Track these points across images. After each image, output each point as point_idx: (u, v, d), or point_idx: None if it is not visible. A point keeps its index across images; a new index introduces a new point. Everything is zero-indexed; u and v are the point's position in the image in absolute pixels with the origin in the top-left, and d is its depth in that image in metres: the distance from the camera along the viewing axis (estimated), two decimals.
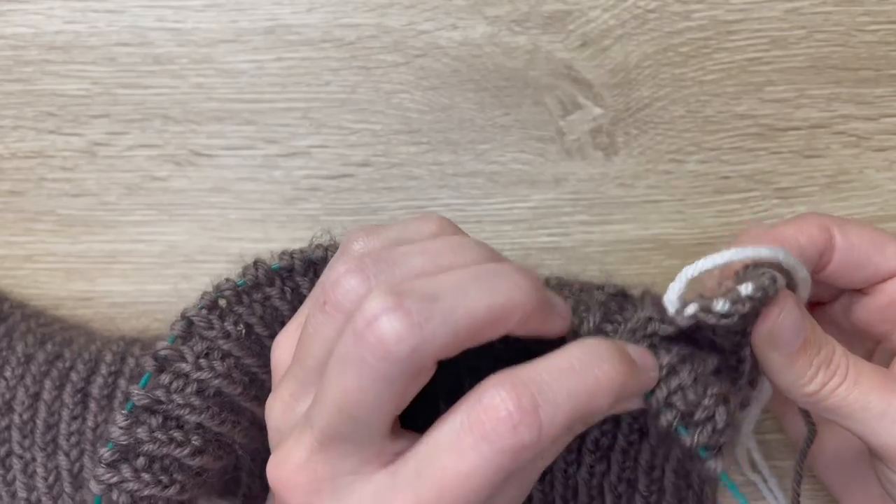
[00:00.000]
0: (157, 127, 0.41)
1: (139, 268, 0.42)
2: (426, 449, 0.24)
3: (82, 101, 0.41)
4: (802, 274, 0.30)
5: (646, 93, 0.41)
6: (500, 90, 0.41)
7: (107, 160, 0.42)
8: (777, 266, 0.29)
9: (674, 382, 0.26)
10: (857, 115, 0.41)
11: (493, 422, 0.23)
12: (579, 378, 0.24)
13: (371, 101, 0.41)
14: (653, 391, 0.26)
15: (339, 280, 0.26)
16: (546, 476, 0.34)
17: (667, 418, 0.25)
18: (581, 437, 0.32)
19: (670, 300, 0.28)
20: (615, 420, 0.31)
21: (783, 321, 0.29)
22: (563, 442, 0.26)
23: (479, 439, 0.23)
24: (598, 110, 0.41)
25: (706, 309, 0.27)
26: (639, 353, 0.27)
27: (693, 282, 0.28)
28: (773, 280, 0.28)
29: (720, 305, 0.27)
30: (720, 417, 0.25)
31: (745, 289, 0.27)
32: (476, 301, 0.24)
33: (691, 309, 0.27)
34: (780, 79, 0.41)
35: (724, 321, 0.26)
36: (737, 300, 0.27)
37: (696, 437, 0.25)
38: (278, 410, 0.28)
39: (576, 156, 0.42)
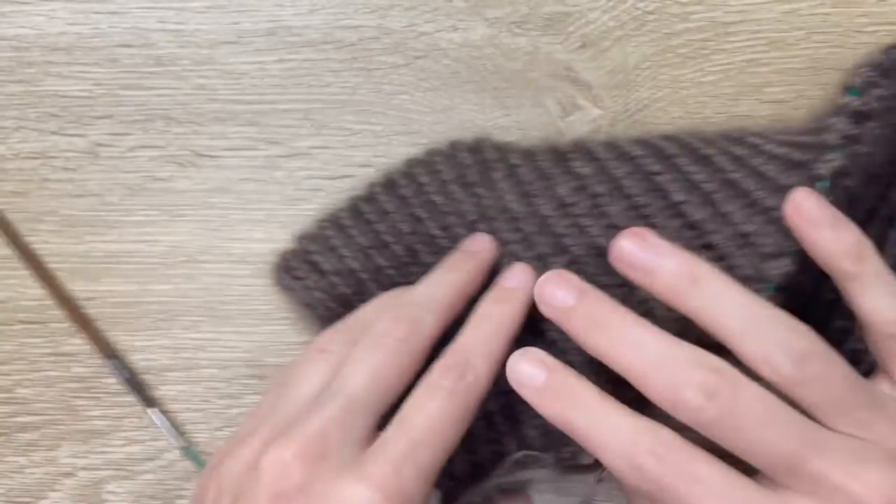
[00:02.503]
0: (160, 128, 0.42)
1: (142, 268, 0.42)
2: (406, 408, 0.32)
3: (85, 102, 0.41)
4: None
5: (645, 94, 0.41)
6: (501, 91, 0.41)
7: (109, 161, 0.42)
8: None
9: None
10: None
11: (443, 376, 0.32)
12: (486, 325, 0.34)
13: (372, 103, 0.41)
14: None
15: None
16: None
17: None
18: None
19: None
20: None
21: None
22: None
23: (437, 387, 0.32)
24: (597, 111, 0.42)
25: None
26: (511, 277, 0.37)
27: None
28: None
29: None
30: None
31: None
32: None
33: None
34: (779, 80, 0.41)
35: None
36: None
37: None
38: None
39: None
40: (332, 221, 0.40)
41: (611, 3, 0.41)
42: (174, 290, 0.43)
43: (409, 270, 0.39)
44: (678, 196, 0.36)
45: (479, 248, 0.38)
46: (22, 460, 0.44)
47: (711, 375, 0.29)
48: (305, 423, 0.30)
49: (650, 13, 0.41)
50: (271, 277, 0.41)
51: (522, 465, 0.36)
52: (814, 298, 0.35)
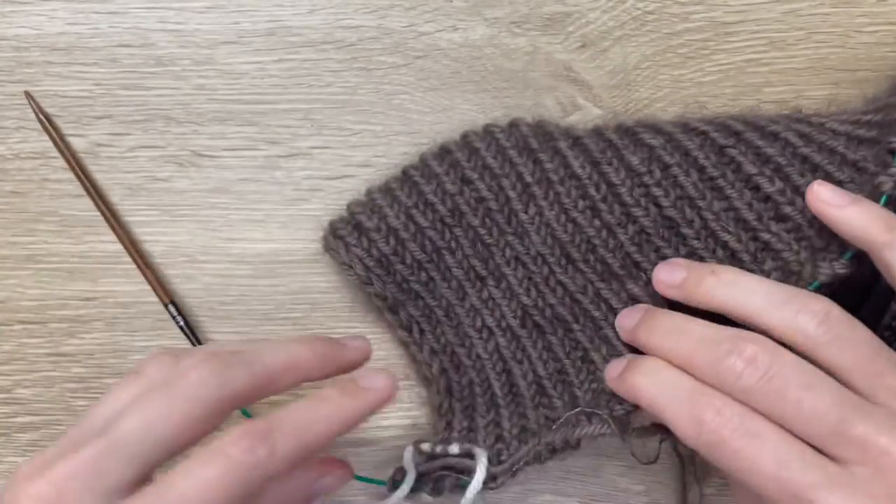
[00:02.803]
0: (159, 128, 0.42)
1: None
2: (178, 468, 0.29)
3: (84, 103, 0.41)
4: None
5: (644, 94, 0.41)
6: (500, 91, 0.41)
7: (109, 161, 0.42)
8: None
9: None
10: None
11: (234, 442, 0.29)
12: (318, 410, 0.32)
13: (372, 103, 0.41)
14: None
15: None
16: None
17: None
18: None
19: None
20: None
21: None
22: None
23: (221, 452, 0.29)
24: (597, 111, 0.42)
25: None
26: (372, 379, 0.34)
27: None
28: None
29: None
30: None
31: None
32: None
33: None
34: (779, 80, 0.41)
35: None
36: None
37: None
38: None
39: None
40: (381, 186, 0.41)
41: (611, 3, 0.41)
42: (174, 290, 0.43)
43: (452, 233, 0.39)
44: (750, 168, 0.37)
45: (353, 345, 0.36)
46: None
47: (750, 345, 0.31)
48: (61, 462, 0.28)
49: (650, 13, 0.41)
50: (321, 243, 0.41)
51: (574, 424, 0.36)
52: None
